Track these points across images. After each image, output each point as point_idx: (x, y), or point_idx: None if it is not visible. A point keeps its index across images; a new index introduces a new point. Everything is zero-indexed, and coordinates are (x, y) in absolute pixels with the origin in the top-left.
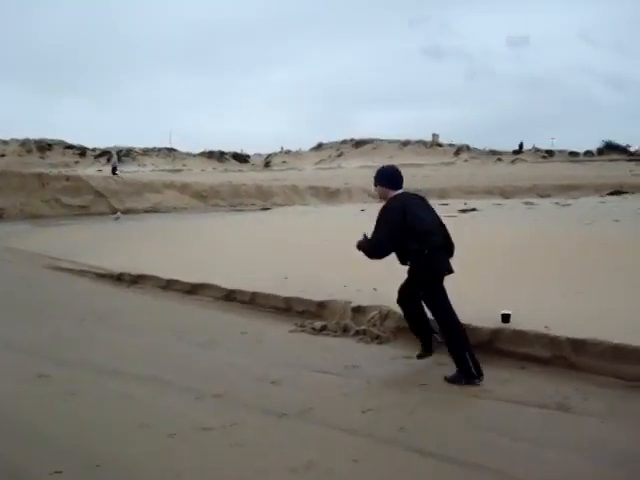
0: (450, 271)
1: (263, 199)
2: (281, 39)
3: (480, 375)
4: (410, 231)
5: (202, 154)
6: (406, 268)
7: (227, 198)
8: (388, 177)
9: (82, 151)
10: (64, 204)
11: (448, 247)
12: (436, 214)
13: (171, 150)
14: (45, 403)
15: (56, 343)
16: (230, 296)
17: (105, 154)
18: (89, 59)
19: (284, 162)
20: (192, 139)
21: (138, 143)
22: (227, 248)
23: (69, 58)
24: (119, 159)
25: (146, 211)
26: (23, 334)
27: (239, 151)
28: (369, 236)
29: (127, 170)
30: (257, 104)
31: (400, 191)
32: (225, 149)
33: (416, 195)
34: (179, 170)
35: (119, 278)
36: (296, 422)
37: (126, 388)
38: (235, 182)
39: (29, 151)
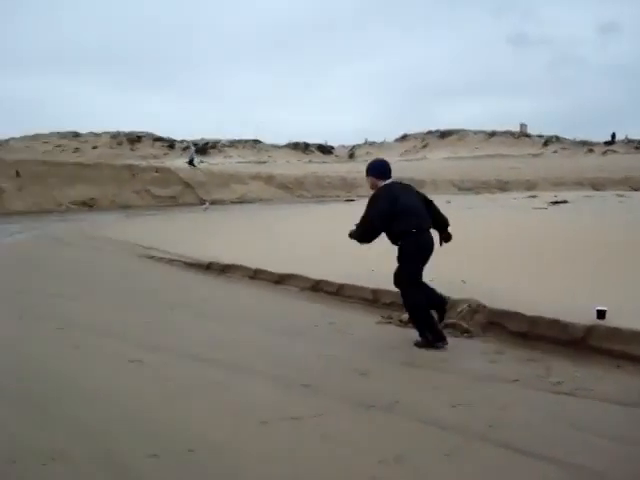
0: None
1: (347, 190)
2: (363, 31)
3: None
4: (398, 214)
5: (287, 146)
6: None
7: (312, 189)
8: (377, 169)
9: (170, 143)
10: (154, 195)
11: (440, 222)
12: (420, 198)
13: (257, 142)
14: (139, 388)
15: (148, 330)
16: (317, 287)
17: (193, 146)
18: (178, 54)
19: (368, 153)
20: (277, 131)
21: (225, 135)
22: (312, 238)
23: (158, 54)
24: (205, 151)
25: (232, 202)
26: (116, 320)
27: (323, 143)
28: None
29: (213, 162)
30: (341, 96)
31: (388, 181)
32: (310, 141)
33: (401, 183)
34: (264, 162)
35: (208, 267)
36: (385, 415)
37: (217, 375)
38: (320, 173)
39: (120, 143)
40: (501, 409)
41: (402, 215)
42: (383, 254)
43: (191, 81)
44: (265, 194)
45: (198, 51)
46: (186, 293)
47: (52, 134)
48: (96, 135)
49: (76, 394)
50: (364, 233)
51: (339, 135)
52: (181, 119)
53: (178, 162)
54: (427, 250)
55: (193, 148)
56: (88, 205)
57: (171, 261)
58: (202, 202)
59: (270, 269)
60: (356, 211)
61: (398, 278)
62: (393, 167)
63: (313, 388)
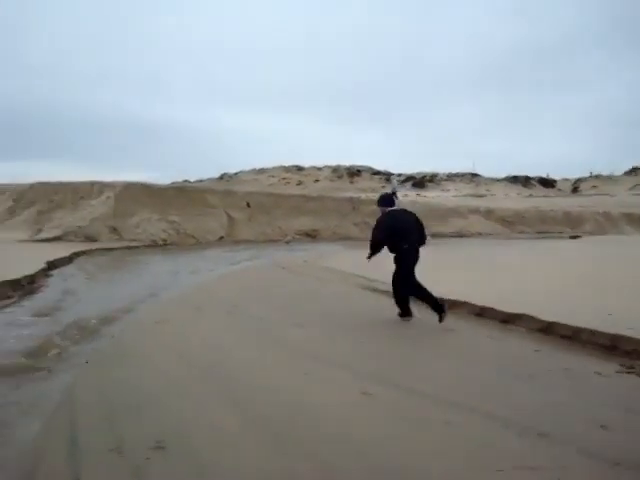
0: (417, 259)
1: (571, 226)
2: (574, 60)
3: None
4: (397, 233)
5: (506, 179)
6: None
7: (533, 224)
8: (385, 200)
9: (387, 177)
10: (372, 227)
11: (421, 239)
12: (413, 220)
13: (474, 175)
14: (370, 424)
15: (375, 362)
16: (549, 329)
17: (409, 179)
18: (394, 88)
19: (594, 187)
20: (495, 164)
21: (442, 169)
22: (538, 277)
23: (375, 88)
24: (423, 185)
25: (451, 236)
26: (343, 350)
27: (545, 175)
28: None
29: (430, 195)
30: (562, 127)
31: (392, 208)
32: (529, 173)
33: (403, 209)
34: (482, 195)
35: None
36: (633, 475)
37: (447, 416)
38: (542, 207)
39: (340, 177)
40: None
41: (400, 234)
42: (619, 298)
43: (407, 114)
44: (484, 228)
45: (412, 84)
46: (410, 327)
47: (277, 168)
48: (318, 169)
49: (310, 423)
50: (373, 247)
51: (561, 167)
52: (397, 152)
53: None
54: (414, 260)
55: (395, 180)
56: (311, 236)
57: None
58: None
59: (497, 307)
60: (583, 249)
61: (394, 278)
62: (621, 202)
63: (550, 437)
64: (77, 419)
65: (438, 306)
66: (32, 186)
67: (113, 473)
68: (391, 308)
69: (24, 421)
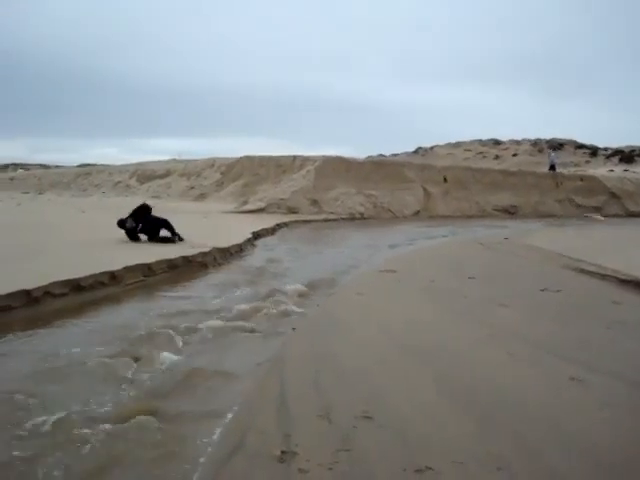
0: None
1: None
2: None
3: None
4: None
5: None
6: None
7: None
8: None
9: (593, 150)
10: (577, 204)
11: None
12: None
13: None
14: (578, 410)
15: (584, 348)
16: None
17: (617, 154)
18: (597, 59)
19: None
20: None
21: None
22: None
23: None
24: (632, 159)
25: None
26: (548, 333)
27: None
28: None
29: (636, 170)
30: None
31: None
32: None
33: None
34: None
35: None
36: None
37: None
38: None
39: (540, 150)
40: None
41: None
42: None
43: (617, 83)
44: None
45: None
46: (621, 313)
47: (473, 142)
48: (516, 142)
49: (514, 405)
50: None
51: None
52: (604, 125)
53: (601, 170)
54: None
55: (553, 153)
56: (509, 212)
57: (602, 276)
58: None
59: None
60: None
61: None
62: None
63: None
64: (286, 383)
65: None
66: (239, 160)
67: (323, 438)
68: (600, 290)
69: (240, 380)
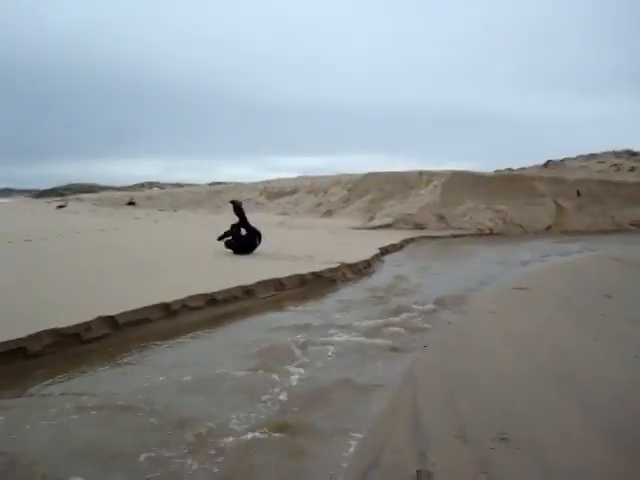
0: None
1: None
2: None
3: None
4: None
5: None
6: None
7: None
8: None
9: None
10: None
11: None
12: None
13: None
14: None
15: None
16: None
17: None
18: None
19: None
20: None
21: None
22: None
23: None
24: None
25: None
26: None
27: None
28: None
29: None
30: None
31: None
32: None
33: None
34: None
35: None
36: None
37: None
38: None
39: None
40: None
41: None
42: None
43: None
44: None
45: None
46: None
47: (606, 153)
48: None
49: None
50: None
51: None
52: None
53: None
54: None
55: None
56: None
57: None
58: None
59: None
60: None
61: None
62: None
63: None
64: (420, 401)
65: None
66: (365, 176)
67: (459, 459)
68: None
69: (372, 397)
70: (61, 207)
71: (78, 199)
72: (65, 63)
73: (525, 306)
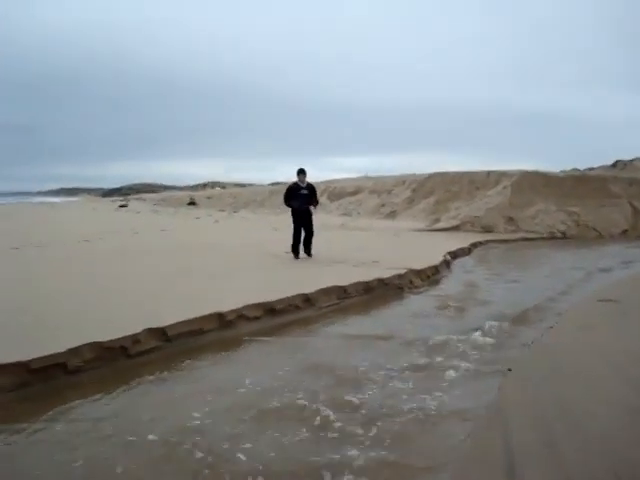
0: None
1: None
2: None
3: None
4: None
5: None
6: None
7: None
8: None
9: None
10: None
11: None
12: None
13: None
14: None
15: None
16: None
17: None
18: None
19: None
20: None
21: None
22: None
23: None
24: None
25: None
26: None
27: None
28: None
29: None
30: None
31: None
32: None
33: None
34: None
35: None
36: None
37: None
38: None
39: None
40: None
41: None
42: None
43: None
44: None
45: None
46: None
47: None
48: None
49: None
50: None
51: None
52: None
53: None
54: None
55: None
56: None
57: None
58: None
59: None
60: None
61: None
62: None
63: None
64: (511, 440)
65: None
66: (430, 176)
67: None
68: None
69: (448, 434)
70: (122, 206)
71: (140, 199)
72: (139, 69)
73: (618, 322)
